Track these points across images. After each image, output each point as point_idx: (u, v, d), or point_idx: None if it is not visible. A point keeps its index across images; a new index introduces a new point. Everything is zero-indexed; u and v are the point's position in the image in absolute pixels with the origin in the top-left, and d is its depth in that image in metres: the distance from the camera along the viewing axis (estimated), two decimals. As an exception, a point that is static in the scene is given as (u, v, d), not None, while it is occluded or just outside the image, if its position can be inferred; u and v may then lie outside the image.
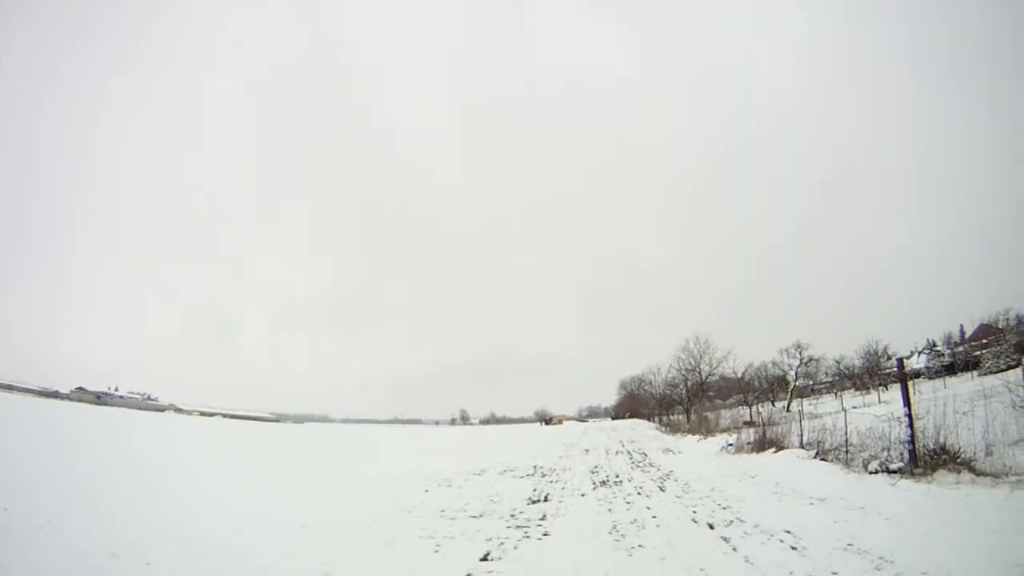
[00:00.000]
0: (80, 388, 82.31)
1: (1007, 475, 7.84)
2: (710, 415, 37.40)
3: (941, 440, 9.37)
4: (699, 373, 54.48)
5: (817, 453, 13.54)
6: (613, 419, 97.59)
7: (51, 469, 12.63)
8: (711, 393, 57.70)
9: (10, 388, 66.47)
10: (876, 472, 10.11)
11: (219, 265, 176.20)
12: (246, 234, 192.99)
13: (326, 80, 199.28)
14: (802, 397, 46.28)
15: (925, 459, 9.41)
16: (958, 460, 8.87)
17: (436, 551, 7.27)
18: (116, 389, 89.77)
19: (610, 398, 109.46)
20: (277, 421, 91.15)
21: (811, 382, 51.08)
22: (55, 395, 73.25)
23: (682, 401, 55.82)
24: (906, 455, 9.92)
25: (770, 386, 51.75)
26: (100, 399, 79.56)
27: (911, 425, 9.97)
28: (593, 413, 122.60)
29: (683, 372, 55.88)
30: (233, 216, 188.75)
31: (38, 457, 14.41)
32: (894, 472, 9.74)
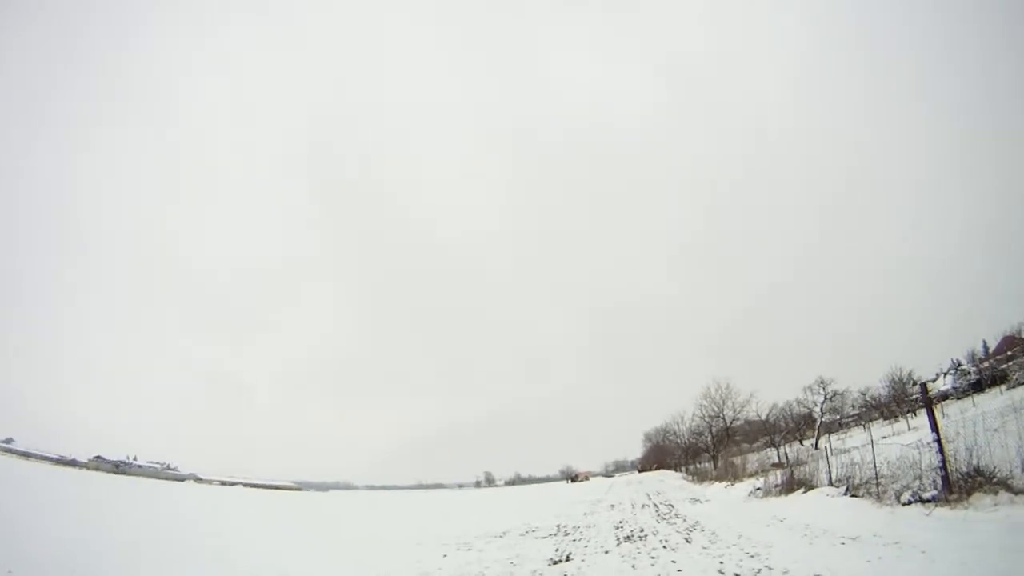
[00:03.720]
0: (98, 457, 79.87)
1: (1049, 491, 7.24)
2: (736, 460, 35.79)
3: (974, 462, 8.77)
4: (723, 419, 52.88)
5: (847, 489, 12.72)
6: (640, 472, 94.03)
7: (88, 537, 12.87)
8: (738, 437, 55.57)
9: (27, 456, 65.12)
10: (909, 503, 9.41)
11: (233, 329, 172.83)
12: (260, 294, 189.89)
13: (344, 136, 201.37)
14: (830, 432, 44.24)
15: (959, 484, 8.77)
16: (994, 480, 8.23)
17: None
18: (135, 458, 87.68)
19: (636, 451, 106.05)
20: (299, 490, 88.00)
21: (838, 416, 49.04)
22: (72, 463, 71.38)
23: (708, 448, 53.90)
24: (939, 482, 9.26)
25: (796, 425, 49.82)
26: (119, 468, 76.91)
27: (941, 450, 9.39)
28: (620, 467, 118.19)
29: (707, 419, 54.42)
30: (248, 274, 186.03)
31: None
32: (928, 501, 9.05)
